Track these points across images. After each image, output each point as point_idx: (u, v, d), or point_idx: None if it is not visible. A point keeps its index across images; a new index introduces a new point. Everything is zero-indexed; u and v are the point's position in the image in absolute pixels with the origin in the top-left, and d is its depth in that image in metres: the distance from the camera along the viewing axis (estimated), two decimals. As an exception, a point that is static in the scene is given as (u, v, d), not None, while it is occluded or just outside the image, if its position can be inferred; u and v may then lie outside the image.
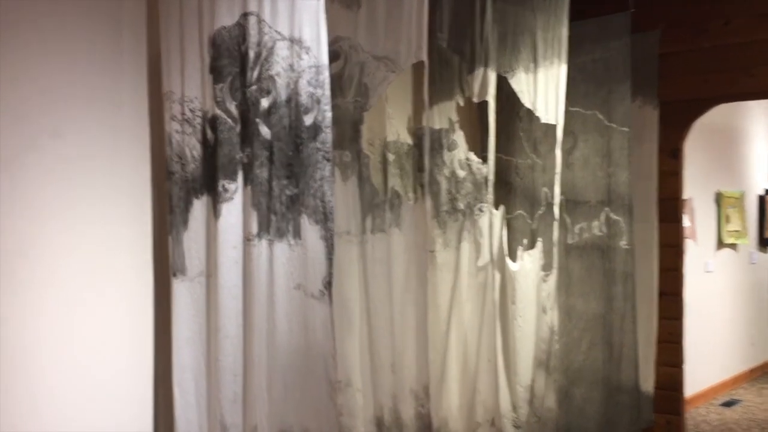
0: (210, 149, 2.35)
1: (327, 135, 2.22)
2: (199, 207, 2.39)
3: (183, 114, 2.38)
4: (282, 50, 2.25)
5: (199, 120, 2.37)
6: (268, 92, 2.25)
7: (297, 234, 2.25)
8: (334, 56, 2.74)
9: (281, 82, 2.25)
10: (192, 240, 2.39)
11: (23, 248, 2.18)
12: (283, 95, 2.25)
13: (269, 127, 2.27)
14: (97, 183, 2.37)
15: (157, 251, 2.50)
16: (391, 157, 3.00)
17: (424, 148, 2.78)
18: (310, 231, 2.24)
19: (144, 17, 2.50)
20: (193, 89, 2.37)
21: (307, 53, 2.23)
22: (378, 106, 2.95)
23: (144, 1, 2.48)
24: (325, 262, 2.21)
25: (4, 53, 2.15)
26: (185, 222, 2.39)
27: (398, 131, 3.06)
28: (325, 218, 2.22)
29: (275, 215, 2.27)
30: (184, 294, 2.39)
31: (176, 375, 2.37)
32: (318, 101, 2.22)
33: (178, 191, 2.39)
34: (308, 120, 2.23)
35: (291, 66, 2.24)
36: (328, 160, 2.22)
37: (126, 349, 2.43)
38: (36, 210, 2.21)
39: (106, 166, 2.40)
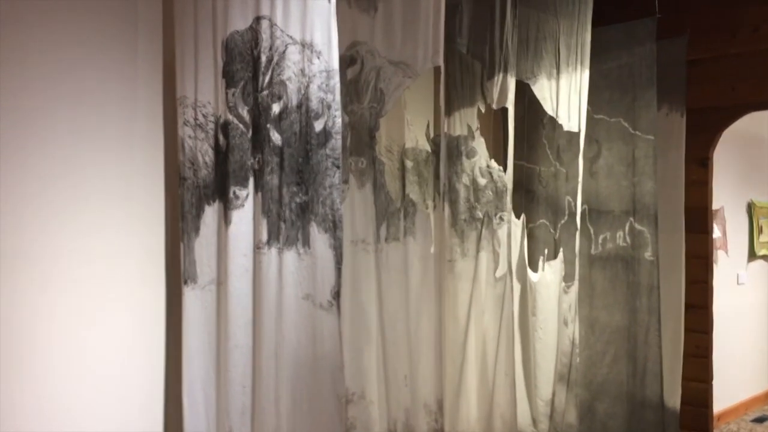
0: (222, 155, 2.32)
1: (337, 141, 2.18)
2: (210, 214, 2.36)
3: (196, 119, 2.35)
4: (293, 54, 2.21)
5: (211, 125, 2.34)
6: (279, 97, 2.22)
7: (306, 243, 2.21)
8: (350, 61, 2.71)
9: (292, 87, 2.21)
10: (203, 247, 2.36)
11: (35, 253, 2.17)
12: (294, 100, 2.21)
13: (280, 133, 2.23)
14: (111, 188, 2.35)
15: (170, 258, 2.47)
16: (409, 164, 2.95)
17: (443, 155, 2.72)
18: (319, 240, 2.20)
19: (160, 21, 2.48)
20: (206, 94, 2.34)
21: (318, 57, 2.19)
22: (397, 112, 2.90)
23: (160, 6, 2.45)
24: (334, 272, 2.16)
25: (18, 57, 2.13)
26: (197, 229, 2.36)
27: (417, 137, 3.01)
28: (333, 227, 2.18)
29: (285, 223, 2.23)
30: (195, 302, 2.36)
31: (186, 385, 2.33)
32: (328, 107, 2.18)
33: (190, 197, 2.36)
34: (318, 126, 2.19)
35: (302, 71, 2.20)
36: (337, 167, 2.18)
37: (137, 358, 2.40)
38: (47, 215, 2.19)
39: (120, 172, 2.38)
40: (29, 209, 2.16)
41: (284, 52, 2.21)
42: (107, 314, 2.33)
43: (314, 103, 2.19)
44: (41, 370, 2.17)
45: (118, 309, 2.35)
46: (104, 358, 2.32)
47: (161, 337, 2.47)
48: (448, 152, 3.09)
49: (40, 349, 2.17)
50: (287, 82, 2.21)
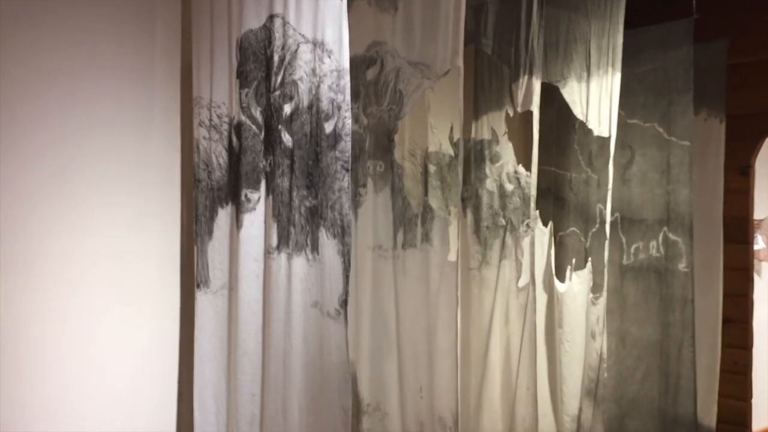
0: (235, 157, 2.29)
1: (346, 144, 2.11)
2: (223, 217, 2.32)
3: (210, 120, 2.33)
4: (305, 53, 2.15)
5: (225, 126, 2.31)
6: (291, 98, 2.16)
7: (315, 248, 2.15)
8: (370, 62, 2.65)
9: (303, 88, 2.15)
10: (216, 251, 2.33)
11: (47, 254, 2.15)
12: (305, 101, 2.15)
13: (291, 134, 2.17)
14: (127, 189, 2.34)
15: (185, 261, 2.45)
16: (432, 168, 2.87)
17: (460, 160, 2.63)
18: (328, 245, 2.13)
19: (178, 21, 2.45)
20: (220, 94, 2.31)
21: (329, 56, 2.12)
22: (420, 115, 2.83)
23: (179, 5, 2.43)
24: (342, 279, 2.10)
25: (33, 58, 2.12)
26: (210, 232, 2.33)
27: (440, 141, 2.93)
28: (342, 232, 2.11)
29: (294, 227, 2.17)
30: (207, 307, 2.33)
31: (197, 392, 2.30)
32: (339, 108, 2.11)
33: (204, 200, 2.34)
34: (328, 128, 2.12)
35: (313, 70, 2.14)
36: (346, 170, 2.11)
37: (150, 362, 2.39)
38: (62, 216, 2.18)
39: (137, 173, 2.36)
40: (43, 210, 2.14)
41: (296, 51, 2.16)
42: (120, 317, 2.31)
43: (324, 104, 2.13)
44: (52, 373, 2.15)
45: (131, 312, 2.33)
46: (117, 360, 2.30)
47: (175, 341, 2.44)
48: (472, 156, 3.01)
49: (50, 352, 2.15)
50: (299, 82, 2.15)
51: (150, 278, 2.38)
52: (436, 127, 2.93)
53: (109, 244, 2.28)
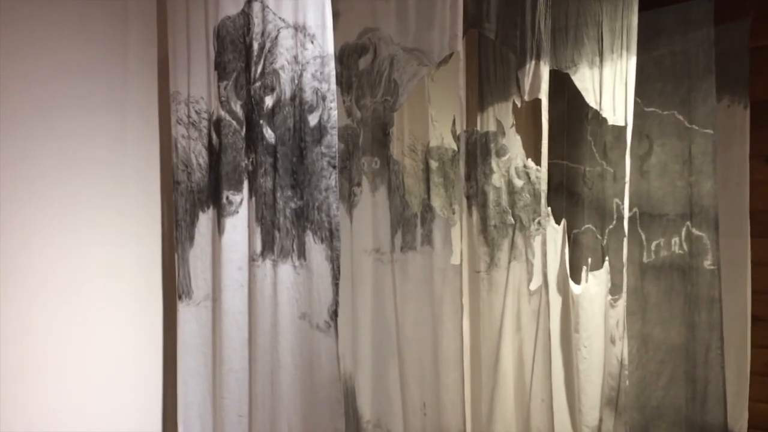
0: (215, 156, 2.11)
1: (333, 138, 1.91)
2: (204, 221, 2.16)
3: (189, 116, 2.16)
4: (286, 40, 1.96)
5: (205, 123, 2.14)
6: (272, 89, 1.97)
7: (302, 254, 1.95)
8: (362, 50, 2.45)
9: (285, 77, 1.96)
10: (198, 259, 2.17)
11: (20, 268, 1.96)
12: (287, 92, 1.96)
13: (273, 129, 1.99)
14: (102, 195, 2.16)
15: (167, 270, 2.28)
16: (434, 164, 2.67)
17: (462, 153, 2.43)
18: (316, 250, 1.94)
19: (153, 11, 2.28)
20: (198, 89, 2.13)
21: (312, 42, 1.92)
22: (420, 107, 2.64)
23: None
24: (331, 288, 1.90)
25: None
26: (191, 238, 2.18)
27: (442, 135, 2.74)
28: (330, 236, 1.91)
29: (279, 232, 1.98)
30: (190, 320, 2.18)
31: (181, 412, 2.15)
32: (323, 98, 1.92)
33: (184, 203, 2.18)
34: (313, 120, 1.93)
35: (295, 57, 1.94)
36: (333, 167, 1.91)
37: (133, 382, 2.22)
38: (33, 228, 1.99)
39: (113, 177, 2.18)
40: (9, 218, 1.94)
41: (276, 37, 1.97)
42: (98, 333, 2.14)
43: (308, 94, 1.93)
44: (29, 393, 1.97)
45: (112, 326, 2.17)
46: (97, 379, 2.13)
47: (159, 358, 2.27)
48: (476, 150, 2.82)
49: (28, 371, 1.97)
50: (280, 72, 1.96)
51: (130, 290, 2.21)
52: (437, 120, 2.74)
53: (83, 255, 2.11)
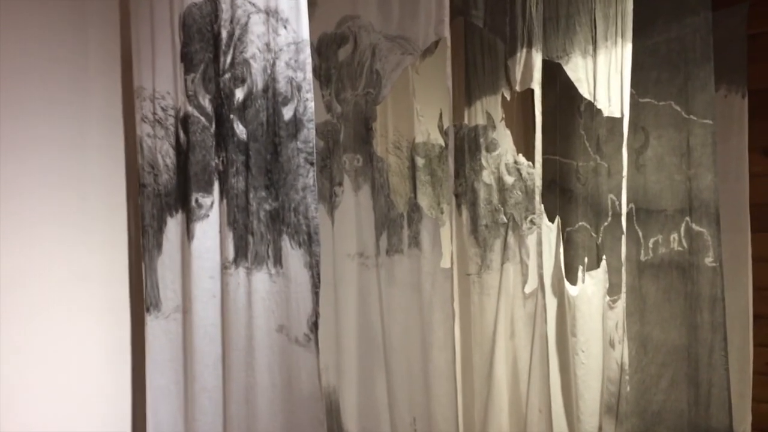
0: (183, 155, 1.95)
1: (309, 132, 1.75)
2: (173, 227, 1.99)
3: (154, 114, 2.00)
4: (257, 26, 1.79)
5: (171, 120, 1.98)
6: (243, 80, 1.81)
7: (278, 260, 1.79)
8: (342, 40, 2.30)
9: (257, 67, 1.80)
10: (167, 267, 2.00)
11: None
12: (259, 83, 1.80)
13: (245, 124, 1.82)
14: (63, 203, 2.01)
15: (134, 280, 2.13)
16: (420, 161, 2.52)
17: (450, 149, 2.27)
18: (293, 256, 1.78)
19: (115, 1, 2.12)
20: (164, 83, 1.97)
21: (285, 27, 1.76)
22: (405, 101, 2.49)
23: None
24: (311, 298, 1.74)
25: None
26: (159, 245, 2.01)
27: (428, 130, 2.59)
28: (309, 240, 1.75)
29: (253, 236, 1.82)
30: (159, 334, 2.00)
31: (151, 435, 1.95)
32: (298, 88, 1.75)
33: (150, 208, 2.01)
34: (287, 113, 1.76)
35: (267, 45, 1.78)
36: (311, 164, 1.75)
37: (100, 401, 2.07)
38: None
39: (74, 183, 2.04)
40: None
41: (247, 24, 1.80)
42: (63, 349, 1.99)
43: (282, 85, 1.77)
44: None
45: (76, 341, 2.02)
46: (62, 398, 1.99)
47: (126, 374, 2.12)
48: (464, 146, 2.68)
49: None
50: (251, 61, 1.79)
51: (95, 303, 2.06)
52: (423, 114, 2.59)
53: (45, 266, 1.96)
